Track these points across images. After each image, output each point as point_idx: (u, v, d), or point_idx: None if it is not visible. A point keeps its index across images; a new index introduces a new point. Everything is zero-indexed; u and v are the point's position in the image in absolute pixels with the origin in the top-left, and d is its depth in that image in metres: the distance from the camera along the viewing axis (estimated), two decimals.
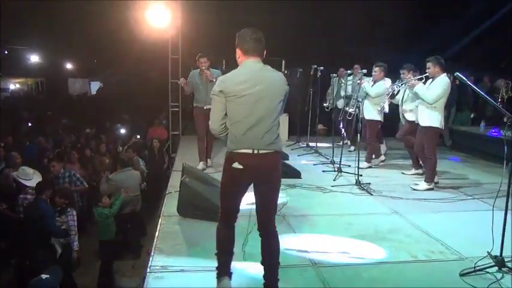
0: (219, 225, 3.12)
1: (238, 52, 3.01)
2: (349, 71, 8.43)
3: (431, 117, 5.86)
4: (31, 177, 6.15)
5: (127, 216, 7.22)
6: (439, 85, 5.76)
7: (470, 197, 5.87)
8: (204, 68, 6.35)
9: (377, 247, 4.14)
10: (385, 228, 4.63)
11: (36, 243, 5.39)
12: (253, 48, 2.96)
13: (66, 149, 9.49)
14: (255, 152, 2.86)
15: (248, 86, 2.85)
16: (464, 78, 3.94)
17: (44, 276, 4.29)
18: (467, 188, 6.35)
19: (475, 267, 3.57)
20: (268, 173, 2.96)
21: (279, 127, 3.02)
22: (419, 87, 5.91)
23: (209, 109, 5.71)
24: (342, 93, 8.27)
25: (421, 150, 6.12)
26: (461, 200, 5.75)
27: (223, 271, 3.12)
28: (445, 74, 5.80)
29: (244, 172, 2.88)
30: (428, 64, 5.81)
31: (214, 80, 6.23)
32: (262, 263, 3.07)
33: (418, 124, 6.14)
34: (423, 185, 6.10)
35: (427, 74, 5.88)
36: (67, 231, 5.80)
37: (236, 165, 2.87)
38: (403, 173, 7.08)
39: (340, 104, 8.45)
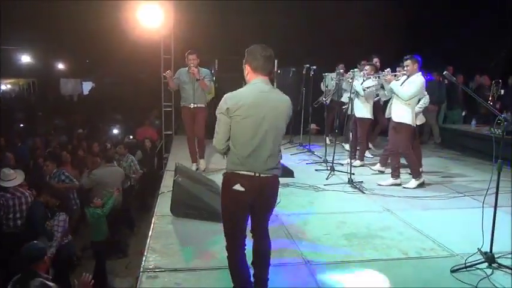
0: (229, 255, 2.97)
1: (247, 68, 2.97)
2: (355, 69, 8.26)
3: (404, 114, 5.93)
4: (13, 177, 6.10)
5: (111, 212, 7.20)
6: (414, 83, 5.83)
7: (461, 195, 5.94)
8: (192, 65, 6.29)
9: (369, 244, 4.18)
10: (377, 226, 4.67)
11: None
12: (263, 66, 2.90)
13: (55, 149, 9.44)
14: (257, 175, 2.83)
15: (255, 108, 2.81)
16: (452, 77, 3.99)
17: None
18: (458, 185, 6.42)
19: (465, 263, 3.63)
20: (268, 195, 2.96)
21: (281, 151, 3.02)
22: (394, 84, 6.00)
23: (196, 107, 5.69)
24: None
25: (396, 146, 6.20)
26: (452, 198, 5.81)
27: None
28: (420, 72, 5.89)
29: (246, 194, 2.83)
30: (407, 62, 5.88)
31: (201, 78, 6.23)
32: (252, 263, 3.06)
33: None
34: (412, 182, 6.15)
35: (405, 72, 5.95)
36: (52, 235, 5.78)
37: (238, 187, 2.81)
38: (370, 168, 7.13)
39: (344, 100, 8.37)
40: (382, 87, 7.00)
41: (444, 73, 3.99)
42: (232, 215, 2.92)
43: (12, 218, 5.90)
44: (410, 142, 6.17)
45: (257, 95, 2.85)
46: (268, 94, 2.89)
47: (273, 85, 3.01)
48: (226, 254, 2.99)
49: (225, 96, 2.88)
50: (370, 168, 7.10)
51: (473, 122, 9.43)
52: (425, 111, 9.72)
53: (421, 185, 6.14)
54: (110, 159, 7.83)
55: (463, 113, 10.55)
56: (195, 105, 6.50)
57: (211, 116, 10.42)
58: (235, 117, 2.81)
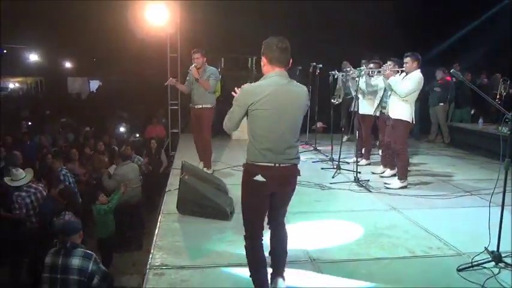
0: (247, 244, 3.04)
1: (264, 60, 2.97)
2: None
3: (401, 110, 5.90)
4: (23, 176, 6.16)
5: (130, 208, 7.35)
6: (412, 80, 5.80)
7: (468, 193, 5.91)
8: (195, 64, 6.21)
9: (375, 243, 4.17)
10: (383, 224, 4.66)
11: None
12: (279, 57, 2.90)
13: (61, 147, 9.51)
14: (277, 165, 2.87)
15: (273, 102, 2.84)
16: (460, 74, 3.97)
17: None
18: (465, 184, 6.38)
19: (472, 262, 3.61)
20: (287, 184, 3.01)
21: (299, 140, 3.07)
22: (393, 80, 5.98)
23: (200, 108, 5.61)
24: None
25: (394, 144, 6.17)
26: (459, 196, 5.78)
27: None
28: (419, 70, 5.85)
29: (266, 184, 2.87)
30: (407, 59, 5.85)
31: (199, 77, 6.15)
32: (270, 253, 3.13)
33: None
34: (396, 182, 6.08)
35: (404, 69, 5.93)
36: None
37: (259, 177, 2.85)
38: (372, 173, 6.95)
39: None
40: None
41: (451, 71, 3.98)
42: (253, 205, 2.98)
43: (32, 214, 5.98)
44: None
45: (275, 89, 2.85)
46: (286, 87, 2.91)
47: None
48: (244, 243, 3.05)
49: (243, 89, 2.91)
50: (373, 173, 6.97)
51: (481, 120, 9.37)
52: (435, 109, 9.78)
53: (403, 186, 6.05)
54: (125, 157, 7.91)
55: (472, 112, 10.47)
56: (200, 106, 6.36)
57: (218, 114, 10.46)
58: (254, 111, 2.85)
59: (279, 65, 2.92)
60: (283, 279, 3.08)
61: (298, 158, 2.99)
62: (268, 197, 2.97)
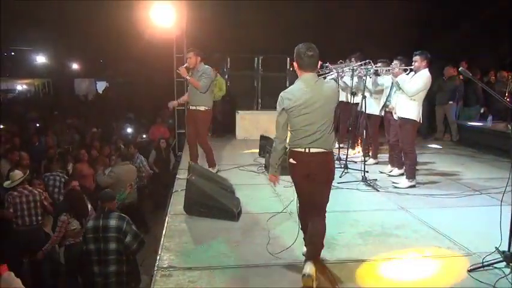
0: (299, 211, 3.61)
1: (295, 65, 3.46)
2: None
3: (409, 110, 5.85)
4: (19, 177, 6.20)
5: (125, 208, 7.27)
6: (420, 79, 5.76)
7: (477, 192, 5.84)
8: (187, 64, 6.13)
9: (384, 243, 4.13)
10: (392, 224, 4.62)
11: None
12: (307, 64, 3.37)
13: (68, 149, 9.56)
14: (306, 151, 3.35)
15: (307, 101, 3.32)
16: (468, 72, 3.92)
17: None
18: (474, 183, 6.31)
19: (483, 262, 3.56)
20: (320, 168, 3.40)
21: (333, 128, 3.46)
22: (401, 78, 5.93)
23: (194, 110, 5.49)
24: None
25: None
26: (468, 195, 5.72)
27: (305, 251, 3.55)
28: (427, 69, 5.80)
29: (297, 166, 3.41)
30: (416, 58, 5.80)
31: (187, 77, 6.08)
32: (306, 243, 3.55)
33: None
34: (404, 182, 6.04)
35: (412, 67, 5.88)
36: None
37: (291, 160, 3.43)
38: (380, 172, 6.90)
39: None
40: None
41: (460, 69, 3.92)
42: (297, 184, 3.53)
43: (20, 215, 5.99)
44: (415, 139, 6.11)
45: (308, 90, 3.34)
46: (317, 86, 3.37)
47: (291, 83, 3.50)
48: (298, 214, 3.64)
49: (281, 95, 3.43)
50: (381, 172, 6.91)
51: (490, 118, 9.28)
52: (444, 108, 9.70)
53: (411, 186, 6.00)
54: (124, 157, 7.97)
55: (482, 110, 10.36)
56: (194, 107, 6.25)
57: (224, 114, 10.44)
58: (291, 111, 3.38)
59: (308, 69, 3.40)
60: (313, 264, 3.29)
61: (330, 144, 3.42)
62: (306, 178, 3.41)
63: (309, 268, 3.22)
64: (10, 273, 3.90)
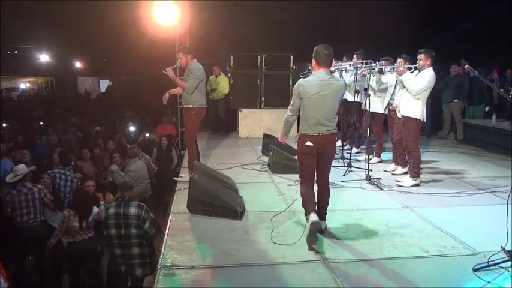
0: (301, 187, 4.22)
1: (314, 62, 4.14)
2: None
3: (413, 108, 5.81)
4: (22, 172, 6.22)
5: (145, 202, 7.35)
6: (424, 77, 5.72)
7: (482, 191, 5.80)
8: (176, 65, 6.11)
9: (388, 242, 4.10)
10: (396, 223, 4.59)
11: None
12: (324, 61, 4.08)
13: (71, 147, 9.56)
14: (320, 134, 4.06)
15: (318, 91, 4.01)
16: (474, 70, 3.88)
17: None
18: (479, 181, 6.27)
19: (488, 262, 3.52)
20: (328, 147, 4.17)
21: (337, 117, 4.24)
22: (405, 76, 5.89)
23: (183, 108, 6.03)
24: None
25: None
26: (473, 194, 5.68)
27: (306, 212, 4.11)
28: (431, 67, 5.76)
29: (313, 148, 4.08)
30: (421, 56, 5.75)
31: (173, 78, 6.01)
32: (316, 204, 4.21)
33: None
34: (408, 180, 6.00)
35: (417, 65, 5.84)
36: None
37: (308, 143, 4.07)
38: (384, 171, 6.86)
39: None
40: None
41: (466, 66, 3.89)
42: (305, 162, 4.18)
43: (19, 213, 6.00)
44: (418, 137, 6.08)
45: (320, 82, 4.04)
46: (328, 81, 4.07)
47: (295, 81, 4.26)
48: (300, 188, 4.26)
49: (298, 82, 4.15)
50: (385, 171, 6.87)
51: (494, 116, 9.22)
52: (450, 106, 9.66)
53: (416, 184, 5.97)
54: (134, 155, 8.09)
55: (486, 109, 10.30)
56: (183, 106, 6.18)
57: (230, 113, 10.40)
58: (304, 98, 4.05)
59: (324, 65, 4.11)
60: (325, 220, 4.31)
61: (335, 128, 4.19)
62: (316, 157, 4.14)
63: (323, 225, 4.21)
64: None
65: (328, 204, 4.33)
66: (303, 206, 4.19)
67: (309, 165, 4.18)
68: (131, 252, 4.87)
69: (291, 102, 4.24)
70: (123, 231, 4.83)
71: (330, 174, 4.37)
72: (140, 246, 4.89)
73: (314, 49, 4.11)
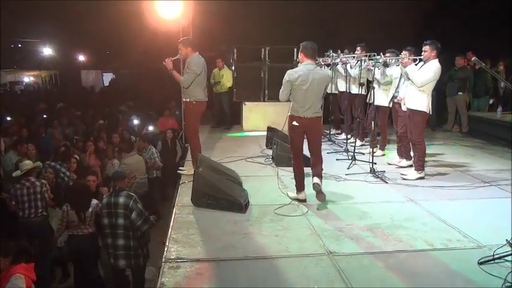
0: (293, 161, 5.00)
1: (302, 54, 4.85)
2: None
3: (418, 101, 5.78)
4: (27, 167, 6.24)
5: (140, 198, 7.33)
6: (429, 69, 5.68)
7: (487, 184, 5.78)
8: (177, 56, 6.06)
9: (393, 235, 4.09)
10: (400, 216, 4.58)
11: None
12: (311, 54, 4.83)
13: (74, 140, 9.58)
14: (305, 116, 4.77)
15: (305, 80, 4.70)
16: (481, 62, 3.85)
17: None
18: (484, 174, 6.24)
19: (493, 255, 3.51)
20: (313, 128, 4.87)
21: (322, 104, 4.89)
22: (410, 68, 5.86)
23: (184, 102, 6.05)
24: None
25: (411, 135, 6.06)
26: (478, 187, 5.66)
27: (301, 188, 5.00)
28: (437, 59, 5.71)
29: (299, 127, 4.81)
30: (426, 47, 5.70)
31: (170, 70, 5.96)
32: (311, 165, 4.98)
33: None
34: (413, 173, 5.98)
35: (422, 57, 5.80)
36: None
37: (295, 123, 4.81)
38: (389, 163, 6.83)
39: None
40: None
41: (473, 58, 3.85)
42: (292, 138, 4.94)
43: (21, 208, 6.00)
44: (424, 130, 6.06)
45: (307, 72, 4.73)
46: (314, 71, 4.77)
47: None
48: (292, 162, 5.05)
49: (288, 72, 4.83)
50: (389, 164, 6.84)
51: (499, 109, 9.17)
52: (455, 99, 9.60)
53: (420, 177, 5.94)
54: (131, 148, 7.99)
55: (491, 101, 10.23)
56: (183, 99, 6.16)
57: (235, 106, 10.37)
58: (294, 85, 4.75)
59: (311, 58, 4.83)
60: (319, 178, 4.86)
61: (320, 112, 4.85)
62: (302, 134, 4.88)
63: (317, 180, 4.83)
64: (21, 277, 3.86)
65: (322, 169, 4.97)
66: (294, 179, 5.03)
67: (296, 140, 4.92)
68: (117, 243, 4.93)
69: (281, 89, 4.85)
70: (113, 220, 4.90)
71: (321, 149, 5.06)
72: (126, 238, 4.90)
73: (302, 44, 4.84)
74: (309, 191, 4.96)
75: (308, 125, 4.80)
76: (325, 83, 4.84)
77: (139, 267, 5.14)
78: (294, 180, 5.06)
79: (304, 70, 4.73)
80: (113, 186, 5.33)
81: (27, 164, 6.26)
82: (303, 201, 4.95)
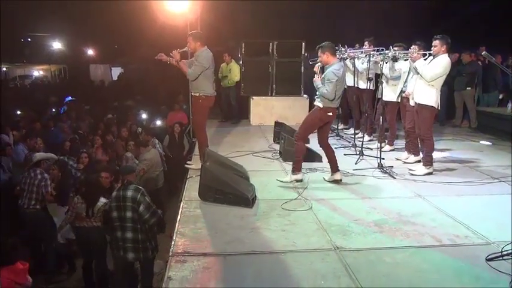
0: (300, 143, 5.43)
1: (329, 53, 5.25)
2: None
3: (427, 96, 5.73)
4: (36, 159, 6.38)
5: (156, 192, 7.50)
6: (439, 64, 5.62)
7: (496, 180, 5.73)
8: (185, 49, 6.03)
9: (400, 231, 4.08)
10: (408, 212, 4.56)
11: None
12: (335, 53, 5.37)
13: (84, 134, 9.64)
14: (335, 108, 5.38)
15: (342, 75, 5.27)
16: (491, 56, 3.80)
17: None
18: (493, 170, 6.19)
19: (502, 251, 3.49)
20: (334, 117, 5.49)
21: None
22: (419, 63, 5.81)
23: (192, 96, 6.15)
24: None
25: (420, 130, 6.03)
26: (487, 183, 5.61)
27: (298, 169, 5.42)
28: (447, 54, 5.65)
29: (331, 117, 5.40)
30: (436, 42, 5.64)
31: (176, 62, 5.93)
32: (328, 161, 5.58)
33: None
34: (421, 169, 5.94)
35: (431, 52, 5.74)
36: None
37: (330, 114, 5.32)
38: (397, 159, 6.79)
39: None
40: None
41: (483, 53, 3.80)
42: (314, 126, 5.47)
43: (26, 196, 6.10)
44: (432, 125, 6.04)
45: (342, 69, 5.29)
46: (343, 68, 5.34)
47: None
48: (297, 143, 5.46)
49: (332, 71, 5.13)
50: (397, 159, 6.80)
51: (510, 104, 9.06)
52: (462, 94, 9.51)
53: (428, 173, 5.91)
54: (145, 143, 8.09)
55: (500, 96, 10.12)
56: (191, 93, 6.12)
57: (242, 101, 10.35)
58: (338, 82, 5.16)
59: (335, 56, 5.36)
60: (339, 171, 5.52)
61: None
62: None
63: (339, 175, 5.52)
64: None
65: (336, 158, 5.50)
66: (295, 161, 5.43)
67: (315, 128, 5.44)
68: (125, 236, 4.95)
69: (331, 87, 5.10)
70: (122, 213, 4.92)
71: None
72: (134, 231, 4.92)
73: (327, 44, 5.24)
74: (314, 185, 4.96)
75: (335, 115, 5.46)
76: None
77: (148, 260, 5.16)
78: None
79: (341, 67, 5.24)
80: (121, 180, 5.38)
81: (37, 155, 6.37)
82: (300, 181, 5.39)
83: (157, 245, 5.27)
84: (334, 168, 5.51)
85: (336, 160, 5.52)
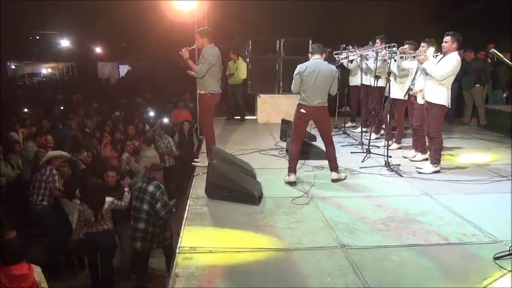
0: (292, 144, 5.47)
1: (310, 54, 5.48)
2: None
3: (438, 94, 5.69)
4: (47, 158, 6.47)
5: None
6: (449, 62, 5.57)
7: (504, 178, 5.68)
8: (193, 46, 6.04)
9: (407, 229, 4.07)
10: (415, 210, 4.54)
11: None
12: (317, 51, 5.38)
13: (90, 131, 9.69)
14: (311, 105, 5.25)
15: (313, 72, 5.19)
16: (500, 54, 3.77)
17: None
18: (501, 168, 6.14)
19: (509, 250, 3.46)
20: (320, 117, 5.39)
21: (328, 94, 5.35)
22: (427, 64, 5.77)
23: (198, 94, 6.16)
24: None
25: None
26: (494, 182, 5.57)
27: (292, 170, 5.41)
28: (457, 52, 5.61)
29: (306, 114, 5.32)
30: (447, 38, 5.58)
31: (186, 60, 5.93)
32: (327, 158, 5.54)
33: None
34: (428, 167, 5.91)
35: (438, 53, 5.71)
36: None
37: (302, 110, 5.30)
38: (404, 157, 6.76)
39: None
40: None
41: (491, 50, 3.78)
42: (297, 125, 5.44)
43: (35, 193, 6.18)
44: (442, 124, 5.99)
45: (314, 66, 5.23)
46: (320, 65, 5.27)
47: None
48: (291, 145, 5.52)
49: (298, 65, 5.30)
50: (404, 157, 6.77)
51: None
52: (471, 92, 9.45)
53: (436, 171, 5.87)
54: (149, 142, 8.16)
55: (504, 95, 10.04)
56: (198, 92, 6.13)
57: (248, 99, 10.35)
58: (303, 76, 5.22)
59: (319, 54, 5.37)
60: (337, 172, 5.50)
61: (326, 103, 5.35)
62: (307, 122, 5.52)
63: (342, 175, 5.56)
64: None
65: (336, 157, 5.50)
66: (288, 161, 5.52)
67: (299, 127, 5.44)
68: (137, 226, 5.19)
69: (293, 81, 5.33)
70: (139, 204, 5.17)
71: (331, 135, 5.57)
72: (146, 222, 5.15)
73: (312, 45, 5.62)
74: (321, 182, 4.94)
75: (314, 113, 5.30)
76: (331, 76, 5.28)
77: (168, 249, 5.52)
78: (307, 173, 5.08)
79: (312, 63, 5.25)
80: (147, 174, 5.76)
81: (49, 153, 6.44)
82: (293, 183, 5.34)
83: (172, 234, 5.52)
84: (331, 167, 5.51)
85: (335, 159, 5.48)
